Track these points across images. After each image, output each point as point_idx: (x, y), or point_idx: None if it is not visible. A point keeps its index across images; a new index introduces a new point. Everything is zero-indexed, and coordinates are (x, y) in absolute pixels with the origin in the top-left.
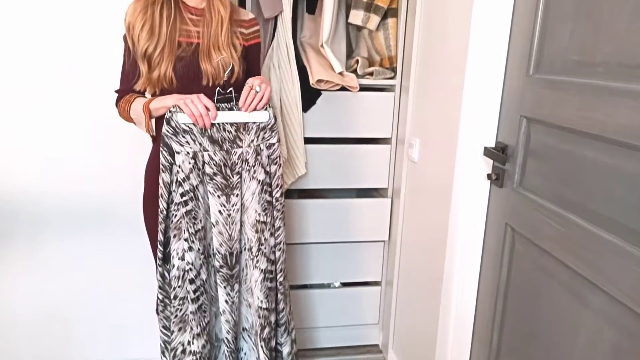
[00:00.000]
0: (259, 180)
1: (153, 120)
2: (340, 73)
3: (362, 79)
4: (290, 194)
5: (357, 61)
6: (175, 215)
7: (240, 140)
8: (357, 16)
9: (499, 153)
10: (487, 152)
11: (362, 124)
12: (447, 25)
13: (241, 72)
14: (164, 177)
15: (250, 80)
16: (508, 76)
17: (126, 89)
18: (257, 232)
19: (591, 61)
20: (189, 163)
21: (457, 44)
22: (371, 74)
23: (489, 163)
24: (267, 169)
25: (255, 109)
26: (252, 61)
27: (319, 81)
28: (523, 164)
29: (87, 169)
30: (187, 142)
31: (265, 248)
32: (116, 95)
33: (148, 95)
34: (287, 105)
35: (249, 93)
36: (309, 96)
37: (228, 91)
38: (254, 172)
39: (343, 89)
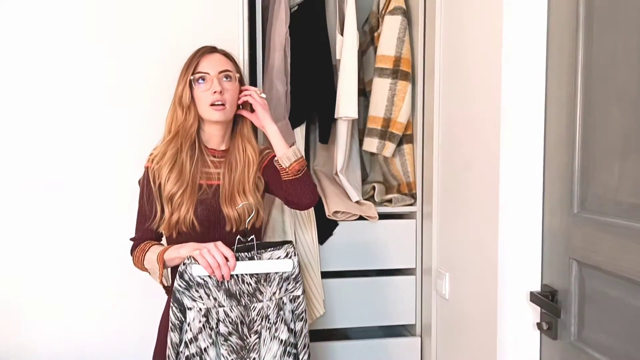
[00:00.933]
0: (281, 340)
1: (168, 270)
2: (358, 202)
3: (380, 207)
4: None
5: (373, 187)
6: None
7: (261, 293)
8: (371, 144)
9: (547, 300)
10: (534, 298)
11: (383, 254)
12: (471, 152)
13: (266, 214)
14: (173, 336)
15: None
16: (547, 211)
17: (142, 237)
18: None
19: None
20: (199, 321)
21: (484, 172)
22: (390, 201)
23: (536, 309)
24: (291, 326)
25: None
26: (276, 176)
27: (336, 212)
28: (580, 314)
29: (89, 323)
30: (200, 296)
31: None
32: (131, 243)
33: (164, 240)
34: (303, 239)
35: (255, 91)
36: (325, 227)
37: (249, 239)
38: (276, 330)
39: (361, 217)
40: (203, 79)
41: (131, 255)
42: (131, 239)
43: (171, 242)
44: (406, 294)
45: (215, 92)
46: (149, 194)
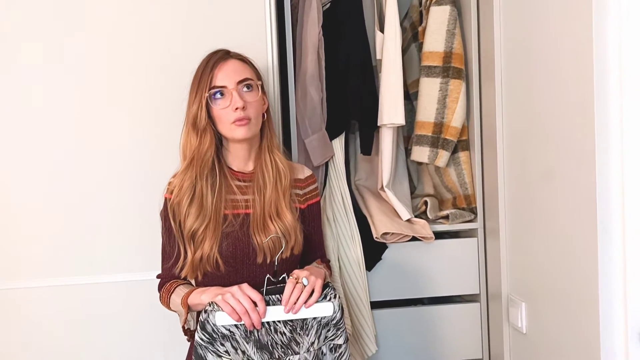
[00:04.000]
0: None
1: (194, 312)
2: (409, 220)
3: (435, 224)
4: None
5: (425, 202)
6: None
7: (297, 344)
8: (422, 153)
9: None
10: None
11: (441, 279)
12: (553, 158)
13: (302, 240)
14: None
15: (295, 272)
16: None
17: (167, 276)
18: None
19: None
20: None
21: (573, 182)
22: (446, 217)
23: None
24: None
25: (302, 306)
26: (311, 224)
27: (385, 234)
28: None
29: None
30: (226, 351)
31: None
32: (158, 280)
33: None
34: (347, 266)
35: (295, 286)
36: (373, 251)
37: (280, 279)
38: None
39: (414, 238)
40: (221, 94)
41: (159, 292)
42: (157, 276)
43: (198, 284)
44: (470, 325)
45: (237, 109)
46: (169, 231)
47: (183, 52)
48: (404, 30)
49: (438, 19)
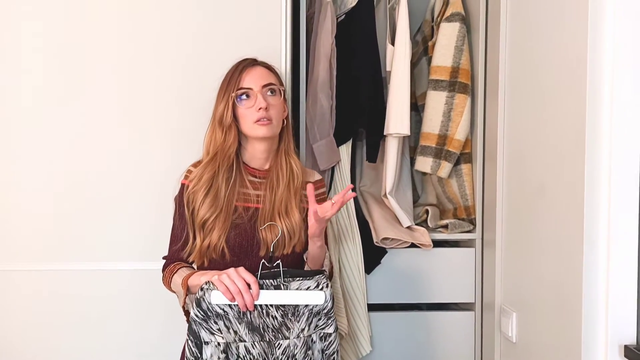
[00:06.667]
0: None
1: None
2: (409, 227)
3: (434, 233)
4: None
5: (426, 211)
6: None
7: (288, 329)
8: (425, 163)
9: None
10: (630, 353)
11: (438, 286)
12: (546, 175)
13: (304, 240)
14: None
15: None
16: None
17: (173, 257)
18: None
19: None
20: (218, 358)
21: (564, 199)
22: (445, 226)
23: None
24: None
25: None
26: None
27: (385, 239)
28: None
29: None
30: (219, 329)
31: None
32: (164, 261)
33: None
34: (347, 267)
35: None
36: (373, 255)
37: (275, 264)
38: None
39: (413, 245)
40: (247, 95)
41: (162, 273)
42: (163, 258)
43: (202, 269)
44: (463, 332)
45: (260, 109)
46: (182, 215)
47: (201, 59)
48: (415, 43)
49: (447, 35)
